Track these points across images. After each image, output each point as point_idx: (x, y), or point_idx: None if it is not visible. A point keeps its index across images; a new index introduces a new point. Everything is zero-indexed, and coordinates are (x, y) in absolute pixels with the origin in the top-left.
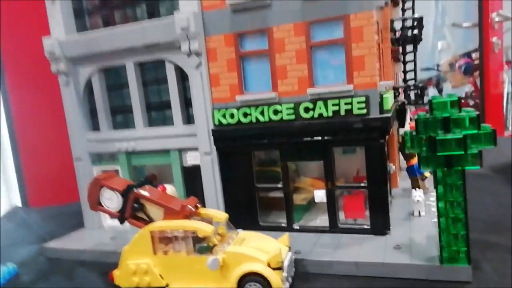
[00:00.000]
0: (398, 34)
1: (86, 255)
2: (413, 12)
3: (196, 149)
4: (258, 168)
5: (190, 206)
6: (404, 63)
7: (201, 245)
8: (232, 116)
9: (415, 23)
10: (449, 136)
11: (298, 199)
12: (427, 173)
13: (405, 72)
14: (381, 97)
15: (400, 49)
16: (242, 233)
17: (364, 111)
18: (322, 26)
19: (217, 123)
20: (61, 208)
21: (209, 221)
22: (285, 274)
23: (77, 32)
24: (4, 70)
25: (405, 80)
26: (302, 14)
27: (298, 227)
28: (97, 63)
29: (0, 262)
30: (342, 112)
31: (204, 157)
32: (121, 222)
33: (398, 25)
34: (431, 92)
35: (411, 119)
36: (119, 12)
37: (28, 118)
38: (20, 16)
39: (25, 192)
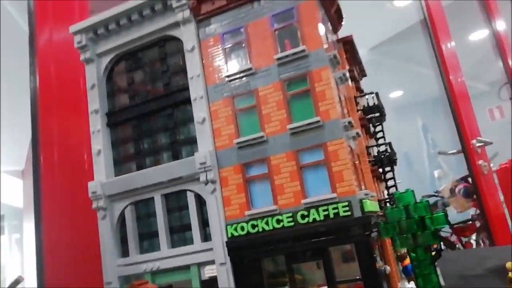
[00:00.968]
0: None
1: None
2: (384, 139)
3: (212, 262)
4: (268, 273)
5: None
6: (385, 180)
7: None
8: (242, 228)
9: (387, 147)
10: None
11: None
12: None
13: (387, 188)
14: (360, 202)
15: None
16: None
17: (349, 213)
18: (308, 152)
19: (230, 236)
20: None
21: None
22: None
23: (115, 175)
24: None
25: (388, 194)
26: (291, 145)
27: None
28: (130, 198)
29: None
30: (332, 215)
31: (220, 267)
32: None
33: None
34: None
35: None
36: (149, 159)
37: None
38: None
39: None
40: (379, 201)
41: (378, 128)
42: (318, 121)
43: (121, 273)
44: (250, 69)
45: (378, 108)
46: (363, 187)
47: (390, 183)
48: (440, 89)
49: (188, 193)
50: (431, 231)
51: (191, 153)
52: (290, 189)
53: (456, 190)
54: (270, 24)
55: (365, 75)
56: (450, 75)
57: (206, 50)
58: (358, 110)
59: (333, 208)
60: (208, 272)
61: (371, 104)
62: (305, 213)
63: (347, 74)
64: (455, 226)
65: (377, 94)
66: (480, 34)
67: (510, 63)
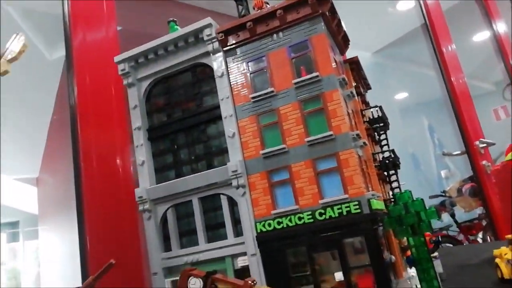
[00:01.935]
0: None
1: None
2: (388, 146)
3: (244, 253)
4: (292, 261)
5: (250, 282)
6: (390, 182)
7: None
8: (269, 225)
9: (391, 154)
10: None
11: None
12: None
13: (392, 189)
14: (368, 201)
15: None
16: None
17: (359, 210)
18: (323, 160)
19: (259, 231)
20: None
21: None
22: None
23: (156, 182)
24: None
25: (393, 194)
26: (309, 155)
27: None
28: (171, 201)
29: None
30: (344, 213)
31: (251, 258)
32: None
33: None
34: (444, 216)
35: None
36: (186, 167)
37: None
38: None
39: None
40: (385, 200)
41: (383, 137)
42: (331, 135)
43: (165, 265)
44: (272, 91)
45: (382, 119)
46: (370, 189)
47: (394, 184)
48: (443, 90)
49: (222, 196)
50: (425, 223)
51: (222, 162)
52: (309, 191)
53: (463, 189)
54: (287, 53)
55: (370, 88)
56: (452, 76)
57: (234, 75)
58: (364, 122)
59: (346, 207)
60: (241, 262)
61: (375, 115)
62: (322, 211)
63: (354, 91)
64: (462, 225)
65: (380, 107)
66: (483, 35)
67: (511, 64)
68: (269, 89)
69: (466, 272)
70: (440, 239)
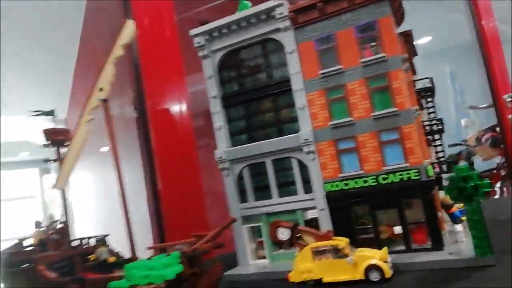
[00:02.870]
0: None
1: (255, 276)
2: (436, 114)
3: (313, 208)
4: (356, 217)
5: (329, 233)
6: (435, 146)
7: (340, 253)
8: (337, 186)
9: (438, 122)
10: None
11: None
12: (463, 218)
13: (436, 152)
14: (425, 169)
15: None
16: (358, 249)
17: (418, 177)
18: (387, 132)
19: (327, 190)
20: None
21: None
22: (390, 265)
23: (232, 145)
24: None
25: (437, 158)
26: (374, 127)
27: None
28: (246, 162)
29: None
30: (405, 178)
31: (320, 212)
32: (291, 245)
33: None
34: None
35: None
36: (258, 133)
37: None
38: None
39: None
40: (431, 164)
41: (430, 105)
42: (396, 111)
43: (243, 214)
44: (340, 68)
45: (431, 89)
46: (425, 157)
47: (438, 148)
48: (471, 34)
49: (292, 159)
50: (480, 192)
51: (291, 129)
52: (373, 158)
53: (483, 139)
54: (355, 33)
55: (416, 55)
56: (482, 19)
57: (303, 52)
58: (415, 91)
59: (406, 173)
60: (310, 214)
61: (425, 85)
62: (385, 176)
63: (408, 65)
64: (480, 174)
65: (431, 79)
66: None
67: None
68: (338, 67)
69: (500, 228)
70: None
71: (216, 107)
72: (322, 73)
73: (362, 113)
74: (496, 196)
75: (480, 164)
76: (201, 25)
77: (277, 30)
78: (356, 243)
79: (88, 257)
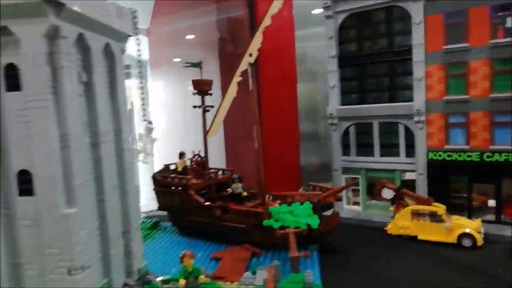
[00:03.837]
0: None
1: (351, 221)
2: None
3: (413, 171)
4: (452, 185)
5: (430, 199)
6: None
7: (437, 218)
8: (440, 155)
9: None
10: None
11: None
12: None
13: None
14: None
15: None
16: (454, 216)
17: None
18: (501, 114)
19: (430, 158)
20: None
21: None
22: (482, 235)
23: (341, 104)
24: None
25: None
26: (489, 107)
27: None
28: (353, 120)
29: None
30: (510, 159)
31: (419, 176)
32: (392, 204)
33: None
34: None
35: None
36: (370, 95)
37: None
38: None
39: None
40: None
41: None
42: None
43: (344, 166)
44: (466, 45)
45: None
46: None
47: None
48: None
49: (399, 125)
50: None
51: (403, 97)
52: (481, 136)
53: None
54: (489, 12)
55: None
56: None
57: (430, 24)
58: None
59: None
60: (408, 176)
61: None
62: (490, 154)
63: None
64: None
65: None
66: None
67: None
68: (464, 43)
69: None
70: None
71: (332, 66)
72: (446, 48)
73: (479, 92)
74: None
75: None
76: None
77: None
78: (448, 207)
79: (227, 189)
